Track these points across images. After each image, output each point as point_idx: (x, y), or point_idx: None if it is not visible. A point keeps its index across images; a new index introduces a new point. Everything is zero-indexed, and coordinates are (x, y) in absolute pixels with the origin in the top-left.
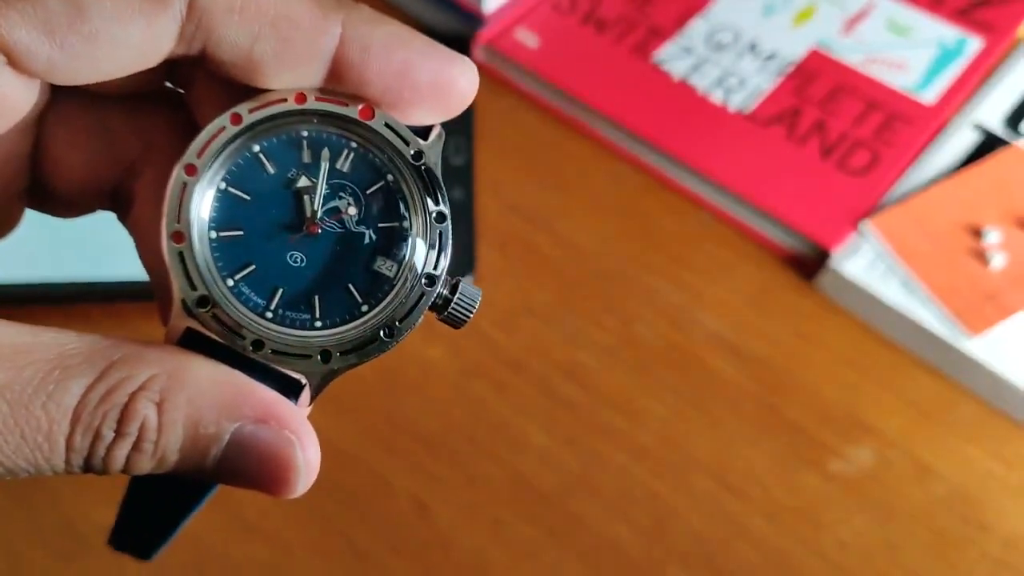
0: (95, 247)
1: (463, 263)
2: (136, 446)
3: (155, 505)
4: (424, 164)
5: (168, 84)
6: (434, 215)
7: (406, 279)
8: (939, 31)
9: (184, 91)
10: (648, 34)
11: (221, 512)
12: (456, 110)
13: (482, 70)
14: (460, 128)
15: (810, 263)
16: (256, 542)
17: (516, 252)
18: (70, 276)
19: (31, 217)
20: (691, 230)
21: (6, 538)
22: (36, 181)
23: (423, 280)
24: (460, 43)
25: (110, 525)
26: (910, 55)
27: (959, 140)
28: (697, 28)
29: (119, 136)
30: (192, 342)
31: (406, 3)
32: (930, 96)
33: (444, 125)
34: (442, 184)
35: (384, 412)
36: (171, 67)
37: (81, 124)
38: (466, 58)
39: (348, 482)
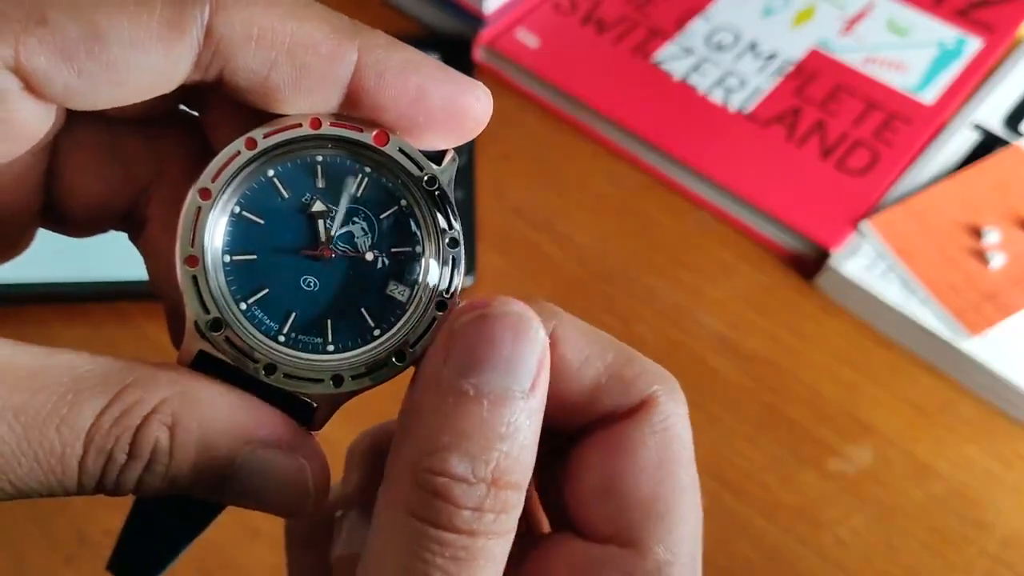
0: (97, 247)
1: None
2: (148, 468)
3: (158, 529)
4: (437, 189)
5: (183, 107)
6: (447, 240)
7: (418, 303)
8: (939, 31)
9: (199, 115)
10: (648, 34)
11: (227, 516)
12: (470, 135)
13: (482, 70)
14: None
15: (810, 263)
16: (263, 546)
17: (516, 252)
18: (72, 276)
19: None
20: (691, 230)
21: (13, 541)
22: (50, 202)
23: (435, 304)
24: (460, 43)
25: (116, 529)
26: (910, 55)
27: (959, 140)
28: (697, 28)
29: (133, 159)
30: (204, 365)
31: (407, 4)
32: (930, 96)
33: None
34: (456, 209)
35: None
36: (186, 91)
37: (95, 147)
38: (480, 84)
39: None
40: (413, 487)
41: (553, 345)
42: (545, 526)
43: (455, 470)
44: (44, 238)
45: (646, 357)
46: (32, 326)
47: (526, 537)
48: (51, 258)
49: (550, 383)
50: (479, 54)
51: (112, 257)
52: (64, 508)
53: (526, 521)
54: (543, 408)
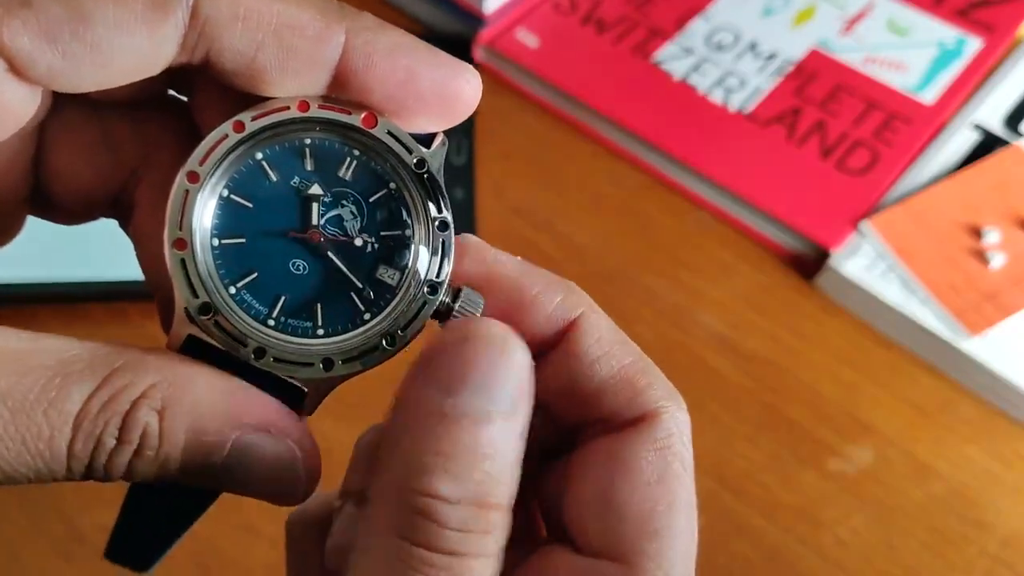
0: (95, 247)
1: None
2: (137, 453)
3: (153, 517)
4: (427, 172)
5: (171, 92)
6: (437, 223)
7: (408, 287)
8: (939, 31)
9: (186, 98)
10: (648, 34)
11: (225, 514)
12: (460, 118)
13: (482, 70)
14: (460, 128)
15: (810, 263)
16: (261, 544)
17: (516, 252)
18: (71, 276)
19: (31, 217)
20: (691, 230)
21: (6, 537)
22: (38, 188)
23: (425, 288)
24: (460, 43)
25: (110, 525)
26: (910, 55)
27: (959, 140)
28: (697, 28)
29: (121, 144)
30: (194, 349)
31: (406, 3)
32: (930, 96)
33: None
34: (445, 192)
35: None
36: (173, 74)
37: (83, 132)
38: (469, 66)
39: None
40: (399, 508)
41: (574, 332)
42: (542, 531)
43: (440, 491)
44: (43, 238)
45: (661, 372)
46: (31, 326)
47: (522, 544)
48: (50, 258)
49: (562, 370)
50: (479, 54)
51: (111, 257)
52: (56, 503)
53: (524, 526)
54: (527, 429)
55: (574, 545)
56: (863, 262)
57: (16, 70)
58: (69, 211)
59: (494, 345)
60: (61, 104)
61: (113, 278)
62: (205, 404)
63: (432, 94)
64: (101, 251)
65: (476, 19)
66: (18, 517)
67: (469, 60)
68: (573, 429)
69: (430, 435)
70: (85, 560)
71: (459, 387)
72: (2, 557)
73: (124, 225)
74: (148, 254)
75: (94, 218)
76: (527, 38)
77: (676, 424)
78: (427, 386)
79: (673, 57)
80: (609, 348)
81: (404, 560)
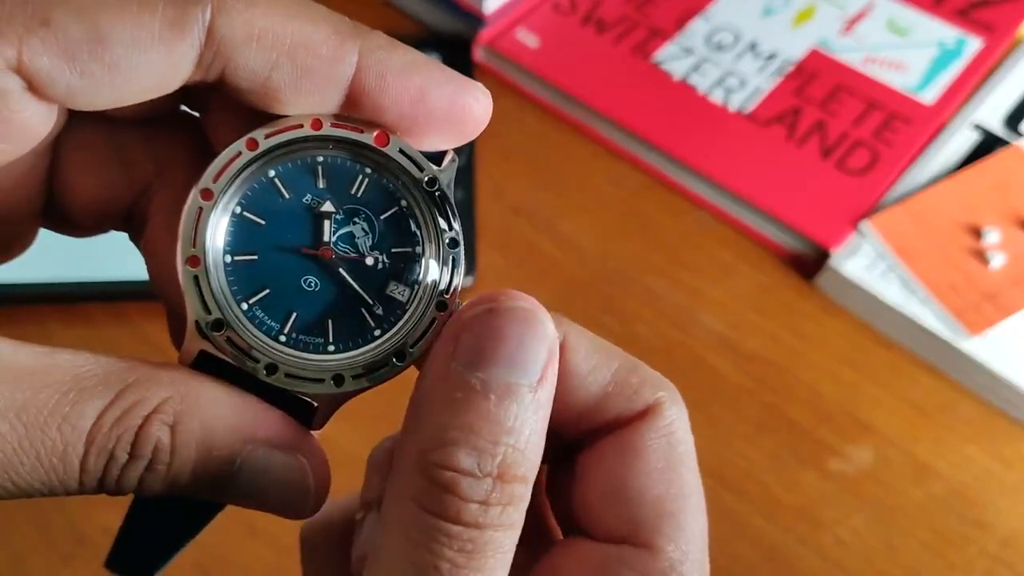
0: (96, 247)
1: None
2: (149, 468)
3: (157, 527)
4: (438, 190)
5: (184, 108)
6: (447, 240)
7: (418, 304)
8: (939, 31)
9: (199, 115)
10: (648, 34)
11: (225, 515)
12: (470, 136)
13: (482, 70)
14: None
15: (810, 263)
16: (261, 545)
17: (516, 252)
18: (71, 276)
19: None
20: (691, 230)
21: (10, 539)
22: (51, 202)
23: (435, 304)
24: (460, 43)
25: (114, 528)
26: (910, 55)
27: (959, 140)
28: (697, 28)
29: (134, 160)
30: (206, 364)
31: (407, 4)
32: (930, 96)
33: None
34: (455, 210)
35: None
36: (187, 91)
37: (97, 148)
38: (480, 85)
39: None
40: (421, 480)
41: (563, 353)
42: (558, 534)
43: (462, 465)
44: (43, 238)
45: (647, 365)
46: (31, 326)
47: (538, 542)
48: (51, 258)
49: (560, 390)
50: (479, 54)
51: (111, 257)
52: (62, 507)
53: (538, 527)
54: (551, 401)
55: (591, 536)
56: (863, 262)
57: (35, 89)
58: (81, 225)
59: (523, 317)
60: (76, 120)
61: (113, 278)
62: (216, 419)
63: (443, 113)
64: (101, 251)
65: (476, 19)
66: (21, 519)
67: (469, 60)
68: (582, 439)
69: (456, 408)
70: (88, 563)
71: (487, 361)
72: (7, 561)
73: (136, 239)
74: (160, 269)
75: (106, 231)
76: (527, 38)
77: (676, 411)
78: (454, 359)
79: (673, 57)
80: (596, 358)
81: (425, 532)
